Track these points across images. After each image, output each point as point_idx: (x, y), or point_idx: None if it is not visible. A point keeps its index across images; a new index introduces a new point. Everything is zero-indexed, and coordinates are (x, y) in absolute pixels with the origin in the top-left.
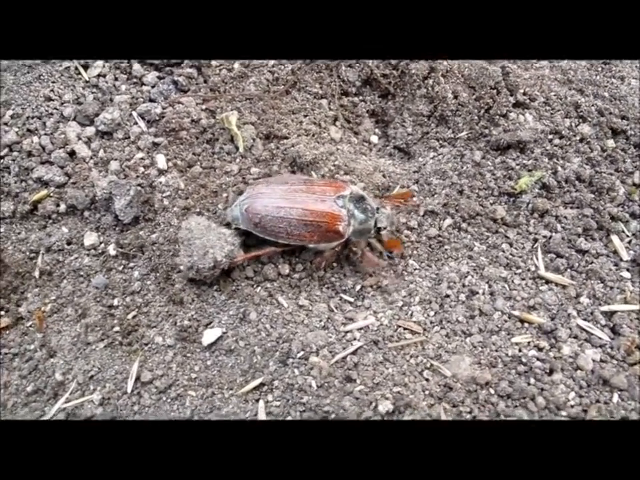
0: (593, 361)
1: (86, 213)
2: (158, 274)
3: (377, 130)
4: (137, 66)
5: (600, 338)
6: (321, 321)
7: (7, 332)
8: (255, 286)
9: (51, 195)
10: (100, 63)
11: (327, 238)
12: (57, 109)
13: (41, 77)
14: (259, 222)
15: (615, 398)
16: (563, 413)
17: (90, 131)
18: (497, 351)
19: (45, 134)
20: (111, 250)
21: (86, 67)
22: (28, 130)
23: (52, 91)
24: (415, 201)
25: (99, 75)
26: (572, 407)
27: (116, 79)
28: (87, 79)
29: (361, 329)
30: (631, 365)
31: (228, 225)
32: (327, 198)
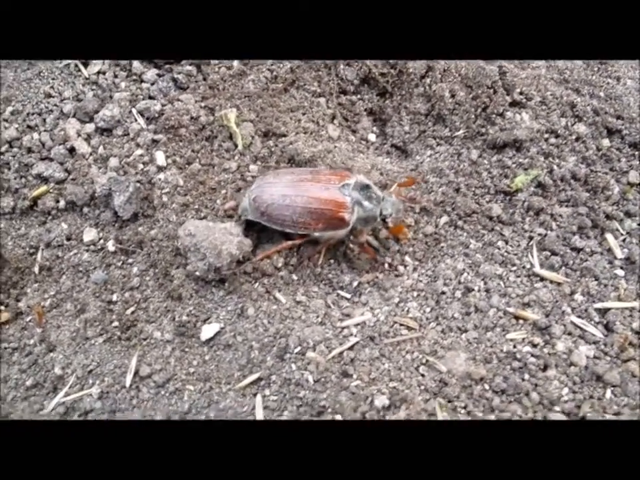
0: (587, 357)
1: (85, 209)
2: (157, 270)
3: (374, 128)
4: (136, 63)
5: (593, 335)
6: (318, 316)
7: (7, 327)
8: (252, 282)
9: (51, 191)
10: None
11: (331, 225)
12: (56, 106)
13: (41, 74)
14: (265, 210)
15: (608, 394)
16: (557, 409)
17: (90, 127)
18: (491, 347)
19: (45, 130)
20: (110, 246)
21: (86, 64)
22: (28, 126)
23: (52, 87)
24: (418, 195)
25: (98, 72)
26: (565, 402)
27: (115, 76)
28: (87, 76)
29: (357, 324)
30: (624, 361)
31: (225, 219)
32: (331, 186)
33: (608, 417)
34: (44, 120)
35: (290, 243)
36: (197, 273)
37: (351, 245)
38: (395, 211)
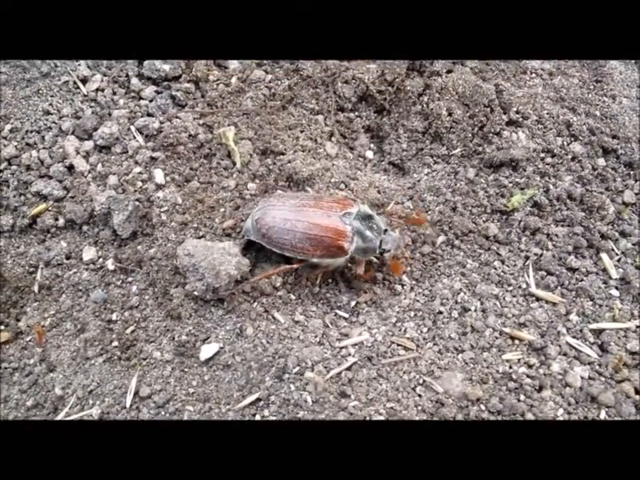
0: (582, 378)
1: (84, 228)
2: (156, 289)
3: (372, 145)
4: (135, 80)
5: (588, 355)
6: (316, 336)
7: (7, 346)
8: (251, 301)
9: (50, 208)
10: (98, 77)
11: (330, 253)
12: (55, 123)
13: (40, 91)
14: (266, 232)
15: (603, 414)
16: None
17: (88, 145)
18: (488, 367)
19: (44, 148)
20: (110, 265)
21: (84, 81)
22: (27, 144)
23: (51, 105)
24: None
25: (97, 89)
26: None
27: (114, 94)
28: (86, 93)
29: (355, 344)
30: (618, 382)
31: (223, 238)
32: (333, 214)
33: None
34: (43, 137)
35: (288, 266)
36: (196, 293)
37: (349, 265)
38: (394, 247)
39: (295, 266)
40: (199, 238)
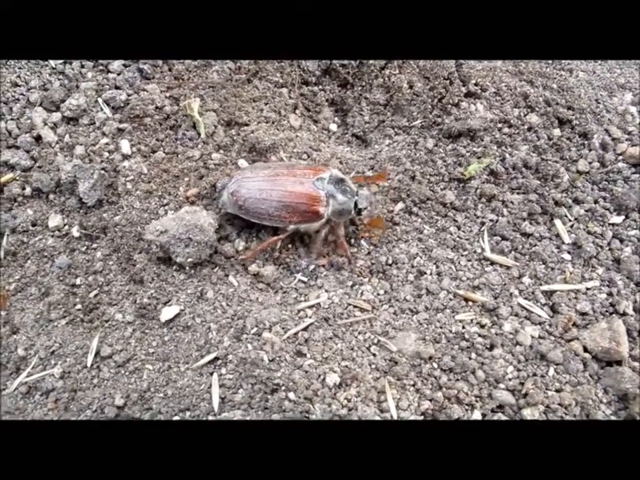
0: (532, 337)
1: (51, 196)
2: (120, 254)
3: (336, 118)
4: None
5: (539, 316)
6: (275, 299)
7: None
8: (212, 266)
9: (17, 178)
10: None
11: (306, 219)
12: (23, 95)
13: (8, 63)
14: (242, 204)
15: (551, 372)
16: (501, 386)
17: (56, 116)
18: (441, 327)
19: (12, 119)
20: (75, 231)
21: None
22: None
23: (19, 77)
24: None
25: (65, 62)
26: (510, 380)
27: (82, 66)
28: (54, 66)
29: (312, 306)
30: (567, 341)
31: (185, 205)
32: (305, 180)
33: (550, 393)
34: (10, 109)
35: (283, 235)
36: (190, 260)
37: (331, 234)
38: (369, 204)
39: (282, 236)
40: (163, 206)
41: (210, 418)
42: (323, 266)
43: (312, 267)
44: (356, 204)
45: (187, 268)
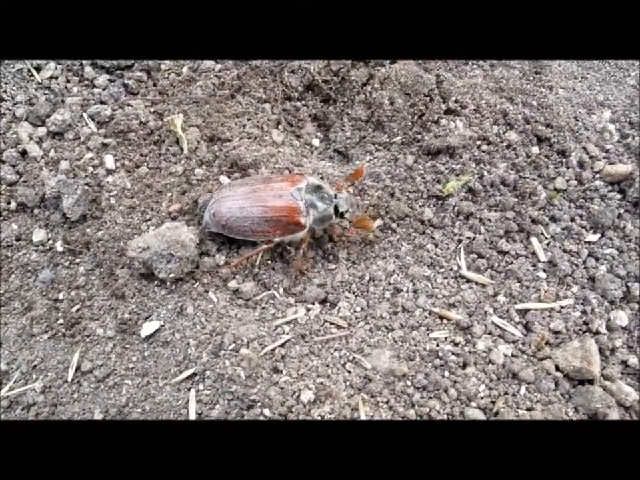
0: (505, 355)
1: (36, 211)
2: (102, 269)
3: (318, 133)
4: (88, 69)
5: (513, 334)
6: (253, 315)
7: None
8: (192, 282)
9: (2, 192)
10: (52, 65)
11: (289, 230)
12: (9, 110)
13: None
14: (225, 224)
15: (523, 390)
16: (473, 404)
17: (41, 131)
18: (415, 345)
19: None
20: (59, 246)
21: (38, 69)
22: None
23: (4, 91)
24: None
25: (51, 77)
26: (482, 398)
27: (68, 81)
28: (40, 81)
29: (289, 322)
30: (539, 359)
31: (166, 221)
32: (283, 193)
33: (521, 412)
34: None
35: (265, 246)
36: (173, 275)
37: (288, 247)
38: (349, 205)
39: (269, 246)
40: (146, 222)
41: None
42: (301, 282)
43: (290, 282)
44: (336, 208)
45: (168, 283)
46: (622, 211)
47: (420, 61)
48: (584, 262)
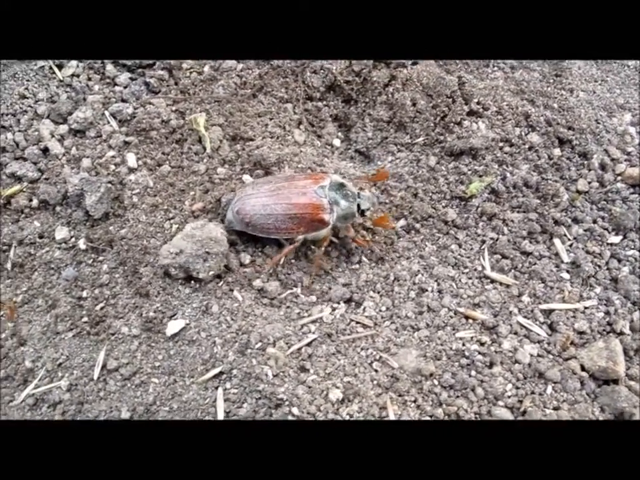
0: (531, 355)
1: (58, 208)
2: (126, 267)
3: (339, 134)
4: (109, 67)
5: (538, 334)
6: (279, 314)
7: None
8: (217, 281)
9: (24, 190)
10: (74, 63)
11: (313, 227)
12: (31, 107)
13: (16, 75)
14: (249, 222)
15: (549, 390)
16: (500, 403)
17: (63, 128)
18: (442, 344)
19: (19, 130)
20: (81, 244)
21: (60, 67)
22: (2, 126)
23: (26, 89)
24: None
25: (72, 75)
26: (509, 397)
27: (89, 79)
28: (61, 79)
29: (315, 321)
30: (565, 359)
31: (190, 220)
32: (307, 190)
33: (548, 411)
34: (18, 120)
35: (292, 246)
36: (212, 273)
37: (312, 247)
38: (371, 204)
39: (297, 244)
40: (169, 220)
41: None
42: (327, 282)
43: (315, 282)
44: (359, 206)
45: (192, 282)
46: None
47: (441, 63)
48: (606, 263)
